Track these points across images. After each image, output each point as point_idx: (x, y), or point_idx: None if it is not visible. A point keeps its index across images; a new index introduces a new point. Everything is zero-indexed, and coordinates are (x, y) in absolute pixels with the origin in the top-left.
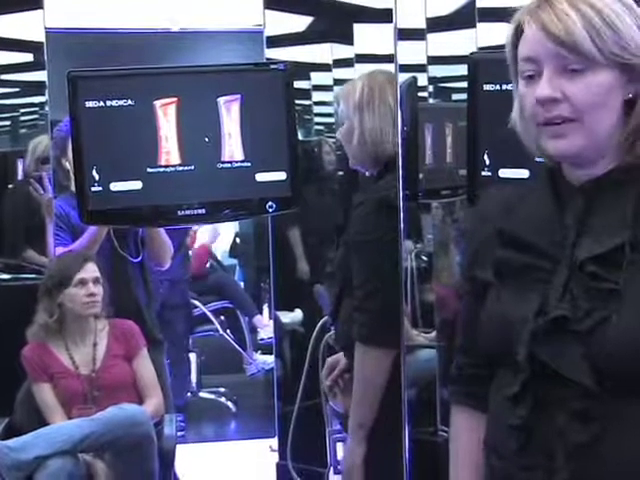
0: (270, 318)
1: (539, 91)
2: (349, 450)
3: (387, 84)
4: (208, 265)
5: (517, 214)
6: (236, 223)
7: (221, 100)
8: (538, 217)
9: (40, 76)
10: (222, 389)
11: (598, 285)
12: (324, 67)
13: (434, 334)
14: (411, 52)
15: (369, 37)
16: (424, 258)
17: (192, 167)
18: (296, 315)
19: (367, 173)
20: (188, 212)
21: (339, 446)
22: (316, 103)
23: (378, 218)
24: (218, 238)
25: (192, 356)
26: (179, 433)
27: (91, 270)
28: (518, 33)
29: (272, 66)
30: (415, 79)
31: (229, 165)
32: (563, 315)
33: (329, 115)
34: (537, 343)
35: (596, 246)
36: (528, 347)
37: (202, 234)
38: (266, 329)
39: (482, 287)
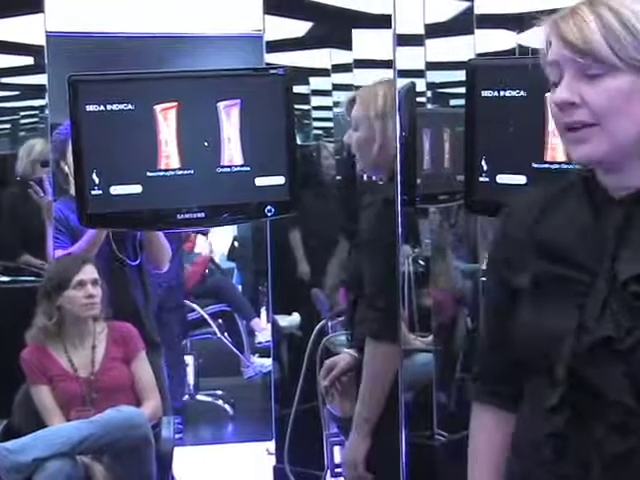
0: (268, 321)
1: (557, 94)
2: (353, 444)
3: None
4: (207, 270)
5: (552, 221)
6: (234, 227)
7: (221, 105)
8: (575, 227)
9: (40, 79)
10: (220, 392)
11: None
12: (323, 72)
13: (431, 338)
14: (410, 58)
15: (368, 43)
16: (421, 262)
17: (192, 171)
18: (294, 319)
19: (376, 178)
20: (187, 216)
21: (336, 449)
22: (315, 108)
23: (387, 217)
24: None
25: (190, 359)
26: (177, 435)
27: (89, 272)
28: (548, 45)
29: (271, 71)
30: (413, 84)
31: (228, 169)
32: (609, 335)
33: (328, 120)
34: (578, 360)
35: (638, 265)
36: (568, 362)
37: (202, 245)
38: (264, 332)
39: (512, 291)
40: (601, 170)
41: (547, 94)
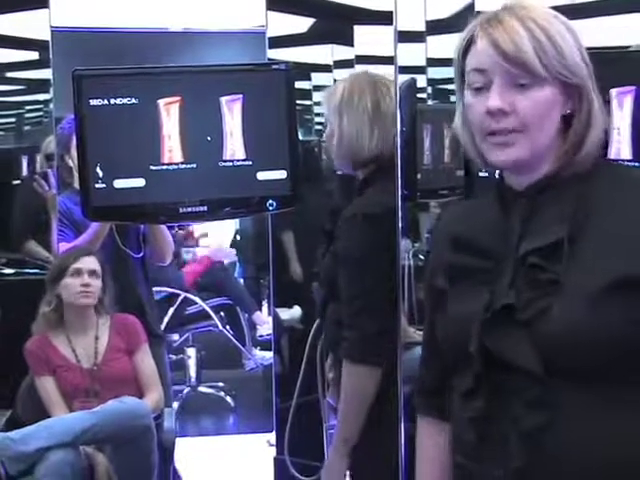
0: (269, 315)
1: (491, 102)
2: (330, 465)
3: (367, 86)
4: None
5: (471, 222)
6: (236, 220)
7: (223, 99)
8: (488, 223)
9: (45, 74)
10: (221, 384)
11: (540, 276)
12: (325, 68)
13: None
14: (411, 54)
15: (369, 39)
16: (421, 257)
17: (194, 165)
18: (295, 312)
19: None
20: (189, 209)
21: None
22: (316, 103)
23: (368, 234)
24: (225, 257)
25: (192, 351)
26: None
27: (88, 262)
28: (468, 46)
29: (274, 66)
30: (414, 81)
31: (230, 163)
32: (509, 304)
33: None
34: (487, 334)
35: (537, 240)
36: (479, 339)
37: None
38: (265, 325)
39: (439, 296)
40: (513, 172)
41: None
